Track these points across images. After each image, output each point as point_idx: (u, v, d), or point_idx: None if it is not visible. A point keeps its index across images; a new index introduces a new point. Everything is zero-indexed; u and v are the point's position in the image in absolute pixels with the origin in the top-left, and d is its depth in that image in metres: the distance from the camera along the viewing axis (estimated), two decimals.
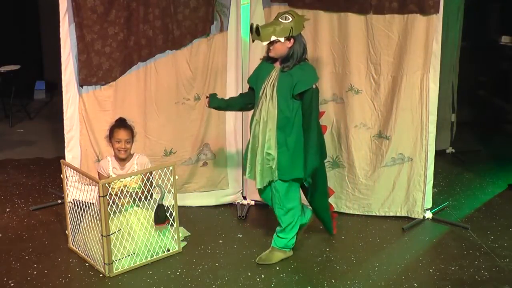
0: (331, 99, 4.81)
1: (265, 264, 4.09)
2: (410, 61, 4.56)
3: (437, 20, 4.48)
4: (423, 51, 4.54)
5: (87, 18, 4.67)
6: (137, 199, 4.18)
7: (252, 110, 4.08)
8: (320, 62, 4.75)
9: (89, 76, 4.80)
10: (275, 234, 4.17)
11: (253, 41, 3.95)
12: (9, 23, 8.63)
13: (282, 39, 3.79)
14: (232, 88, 4.89)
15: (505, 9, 7.74)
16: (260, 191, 4.14)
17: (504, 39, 7.59)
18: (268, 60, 3.96)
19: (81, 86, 4.84)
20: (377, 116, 4.74)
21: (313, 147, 3.90)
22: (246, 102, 4.17)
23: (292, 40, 3.82)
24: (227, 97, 4.83)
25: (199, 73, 4.85)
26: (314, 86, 3.87)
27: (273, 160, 3.90)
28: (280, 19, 3.79)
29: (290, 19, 3.79)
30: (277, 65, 3.93)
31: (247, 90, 4.25)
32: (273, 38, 3.77)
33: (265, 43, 3.81)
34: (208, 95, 4.20)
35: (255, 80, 4.03)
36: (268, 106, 3.88)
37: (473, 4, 6.59)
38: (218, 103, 4.20)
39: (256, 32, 3.77)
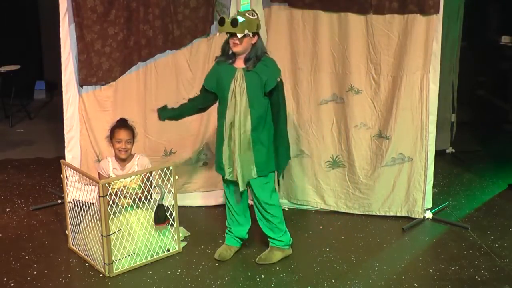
0: (331, 99, 4.80)
1: (265, 264, 4.09)
2: (410, 61, 4.55)
3: (437, 20, 4.48)
4: (423, 51, 4.54)
5: (87, 18, 4.67)
6: (137, 200, 4.17)
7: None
8: (320, 62, 4.75)
9: (89, 76, 4.80)
10: (270, 233, 4.16)
11: (218, 34, 3.89)
12: (9, 23, 8.63)
13: (250, 34, 3.81)
14: None
15: (505, 9, 7.73)
16: (231, 192, 4.13)
17: (504, 39, 7.58)
18: (226, 61, 3.93)
19: (81, 86, 4.84)
20: (377, 116, 4.74)
21: (286, 141, 4.03)
22: (198, 106, 4.15)
23: (256, 37, 3.86)
24: None
25: (199, 73, 4.84)
26: (278, 79, 3.91)
27: (250, 160, 3.94)
28: (247, 14, 3.81)
29: (256, 16, 3.84)
30: (238, 65, 3.90)
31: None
32: (246, 31, 3.78)
33: (240, 35, 3.78)
34: (156, 109, 4.17)
35: (215, 84, 3.98)
36: (240, 107, 3.88)
37: (473, 4, 6.59)
38: (169, 114, 4.17)
39: (232, 23, 3.74)
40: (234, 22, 3.73)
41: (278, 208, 4.12)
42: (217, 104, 4.80)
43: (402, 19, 4.53)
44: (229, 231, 4.27)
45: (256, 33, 3.85)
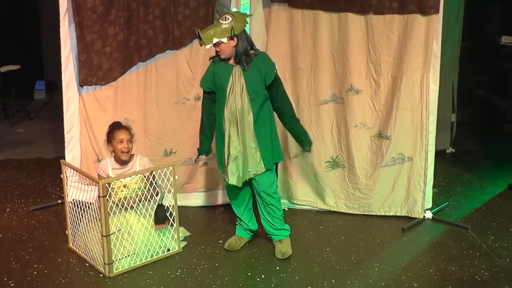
0: (331, 99, 4.80)
1: (283, 259, 4.15)
2: (410, 61, 4.55)
3: (437, 20, 4.48)
4: (423, 51, 4.54)
5: (87, 18, 4.67)
6: (138, 200, 4.17)
7: None
8: (320, 62, 4.75)
9: (89, 76, 4.80)
10: (274, 230, 4.22)
11: (200, 45, 3.94)
12: (9, 23, 8.63)
13: (225, 40, 3.85)
14: None
15: (505, 9, 7.73)
16: (232, 189, 4.19)
17: (504, 39, 7.58)
18: (221, 60, 3.97)
19: (81, 86, 4.84)
20: (377, 116, 4.74)
21: (299, 120, 4.25)
22: (211, 109, 4.13)
23: (235, 39, 3.88)
24: None
25: (199, 73, 4.83)
26: (275, 71, 4.01)
27: (256, 153, 4.00)
28: (220, 21, 3.87)
29: (230, 19, 3.86)
30: (234, 63, 3.96)
31: (202, 98, 4.19)
32: (215, 40, 3.84)
33: (208, 46, 3.87)
34: (200, 155, 4.26)
35: (213, 83, 4.01)
36: (241, 103, 3.93)
37: (473, 4, 6.59)
38: (209, 146, 4.24)
39: (198, 37, 3.84)
40: (199, 38, 3.85)
41: (279, 200, 4.22)
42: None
43: (402, 19, 4.53)
44: (239, 223, 4.35)
45: (233, 36, 3.85)
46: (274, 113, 4.14)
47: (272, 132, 4.09)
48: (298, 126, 4.23)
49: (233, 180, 4.03)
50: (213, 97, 4.09)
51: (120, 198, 4.19)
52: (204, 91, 4.10)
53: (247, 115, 3.95)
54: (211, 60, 4.08)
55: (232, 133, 3.98)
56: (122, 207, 4.10)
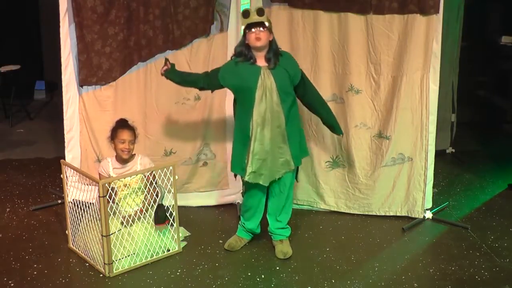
0: (331, 99, 4.80)
1: (284, 259, 4.15)
2: (410, 61, 4.56)
3: (437, 20, 4.48)
4: (423, 51, 4.54)
5: (87, 18, 4.66)
6: (139, 213, 4.18)
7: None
8: (320, 62, 4.75)
9: (89, 76, 4.80)
10: (277, 229, 4.24)
11: (243, 25, 3.89)
12: (9, 23, 8.63)
13: (269, 28, 3.89)
14: None
15: (505, 9, 7.73)
16: (253, 195, 4.18)
17: (504, 39, 7.59)
18: (246, 60, 3.93)
19: (81, 86, 4.84)
20: (377, 116, 4.74)
21: (329, 108, 4.29)
22: (201, 85, 4.15)
23: (271, 34, 3.92)
24: (226, 97, 4.84)
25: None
26: (301, 69, 4.07)
27: (286, 153, 4.01)
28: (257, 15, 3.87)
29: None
30: (260, 64, 3.93)
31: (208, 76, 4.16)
32: (267, 24, 3.85)
33: (267, 23, 3.84)
34: (168, 63, 4.16)
35: (235, 83, 3.97)
36: (272, 104, 3.91)
37: (473, 4, 6.59)
38: (172, 76, 4.17)
39: (259, 12, 3.79)
40: (261, 12, 3.79)
41: (292, 199, 4.35)
42: (216, 103, 4.82)
43: (402, 19, 4.53)
44: (242, 224, 4.34)
45: (271, 30, 3.91)
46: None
47: (300, 129, 4.17)
48: (330, 115, 4.25)
49: (260, 180, 4.01)
50: (214, 86, 4.10)
51: (121, 198, 4.20)
52: (216, 79, 4.03)
53: (278, 116, 3.93)
54: (232, 59, 4.03)
55: (260, 135, 3.94)
56: (127, 224, 4.09)
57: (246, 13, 3.83)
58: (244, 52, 3.93)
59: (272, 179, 4.06)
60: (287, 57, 4.02)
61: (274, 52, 3.92)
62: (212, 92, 4.33)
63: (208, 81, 4.12)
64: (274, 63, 3.91)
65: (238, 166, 4.10)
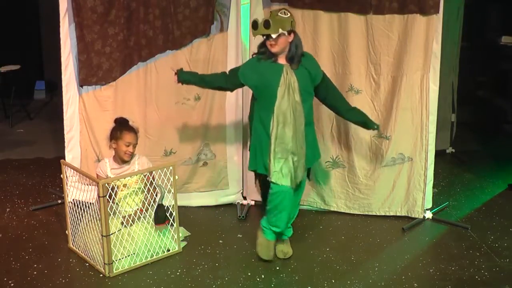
0: None
1: (285, 259, 4.14)
2: (410, 61, 4.56)
3: (437, 20, 4.48)
4: (423, 51, 4.54)
5: (87, 18, 4.66)
6: (139, 213, 4.18)
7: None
8: (320, 62, 4.71)
9: (89, 76, 4.80)
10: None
11: (254, 36, 3.92)
12: (9, 23, 8.63)
13: (285, 33, 3.82)
14: None
15: (505, 9, 7.74)
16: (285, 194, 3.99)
17: (504, 39, 7.59)
18: (268, 58, 3.92)
19: (81, 86, 4.84)
20: (377, 116, 4.74)
21: (355, 108, 4.23)
22: (218, 85, 4.13)
23: (292, 34, 3.87)
24: (225, 99, 4.84)
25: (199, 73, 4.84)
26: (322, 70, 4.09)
27: (304, 155, 4.00)
28: (279, 14, 3.83)
29: (289, 14, 3.86)
30: (283, 62, 3.92)
31: (228, 76, 4.12)
32: (280, 31, 3.79)
33: (274, 35, 3.80)
34: (175, 71, 4.15)
35: (256, 81, 3.95)
36: (295, 104, 3.89)
37: (473, 4, 6.59)
38: (187, 77, 4.14)
39: (265, 25, 3.77)
40: (267, 24, 3.77)
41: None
42: (217, 103, 4.81)
43: (402, 19, 4.53)
44: (265, 227, 4.13)
45: (291, 31, 3.85)
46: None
47: (314, 131, 4.19)
48: (357, 114, 4.17)
49: (286, 181, 3.92)
50: (234, 84, 4.07)
51: (121, 198, 4.20)
52: (236, 77, 3.99)
53: (299, 115, 3.92)
54: (253, 56, 4.02)
55: (282, 134, 3.91)
56: (127, 224, 4.09)
57: (254, 25, 3.83)
58: (265, 51, 3.92)
59: (296, 183, 3.97)
60: (309, 58, 4.02)
61: (294, 54, 3.88)
62: (231, 91, 4.36)
63: (227, 79, 4.10)
64: (297, 65, 3.89)
65: (256, 165, 4.05)
